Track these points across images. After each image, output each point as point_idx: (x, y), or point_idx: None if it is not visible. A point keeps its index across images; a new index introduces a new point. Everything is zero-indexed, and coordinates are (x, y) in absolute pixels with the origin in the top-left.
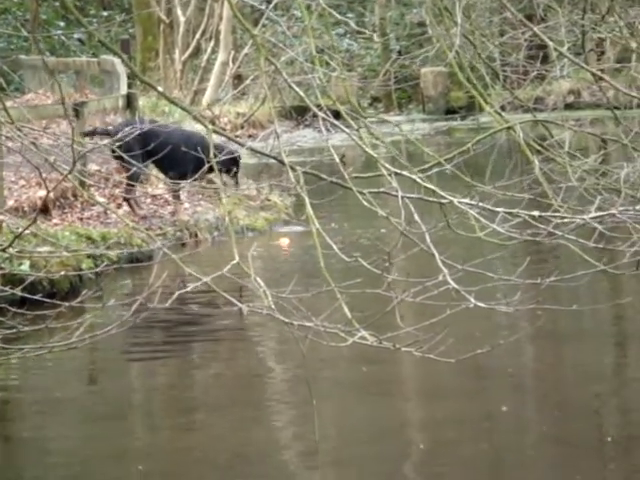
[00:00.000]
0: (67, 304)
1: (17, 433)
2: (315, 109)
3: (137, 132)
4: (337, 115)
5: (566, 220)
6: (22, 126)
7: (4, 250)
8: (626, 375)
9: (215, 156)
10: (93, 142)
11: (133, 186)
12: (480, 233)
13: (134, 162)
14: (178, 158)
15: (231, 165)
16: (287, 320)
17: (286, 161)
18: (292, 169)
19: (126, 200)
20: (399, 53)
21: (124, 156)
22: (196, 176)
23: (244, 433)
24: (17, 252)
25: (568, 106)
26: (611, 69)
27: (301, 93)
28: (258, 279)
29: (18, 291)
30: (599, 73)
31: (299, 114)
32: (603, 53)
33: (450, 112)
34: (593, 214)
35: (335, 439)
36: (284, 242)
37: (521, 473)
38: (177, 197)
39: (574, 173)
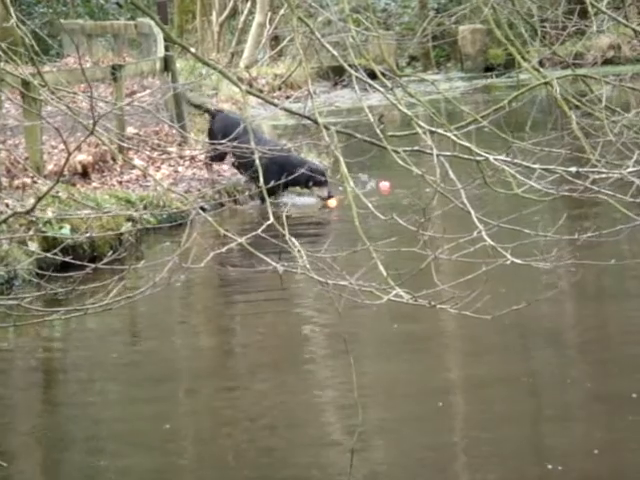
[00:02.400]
0: (93, 266)
1: (62, 394)
2: (349, 69)
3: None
4: (374, 75)
5: (603, 175)
6: (56, 89)
7: (27, 213)
8: None
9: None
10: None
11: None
12: (518, 190)
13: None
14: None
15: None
16: (322, 279)
17: (320, 120)
18: (326, 128)
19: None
20: (436, 11)
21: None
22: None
23: (284, 392)
24: (55, 215)
25: (608, 61)
26: None
27: (334, 53)
28: (293, 239)
29: (50, 255)
30: (639, 29)
31: (337, 74)
32: None
33: (489, 70)
34: (631, 168)
35: (374, 397)
36: (332, 203)
37: (563, 430)
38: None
39: (613, 128)
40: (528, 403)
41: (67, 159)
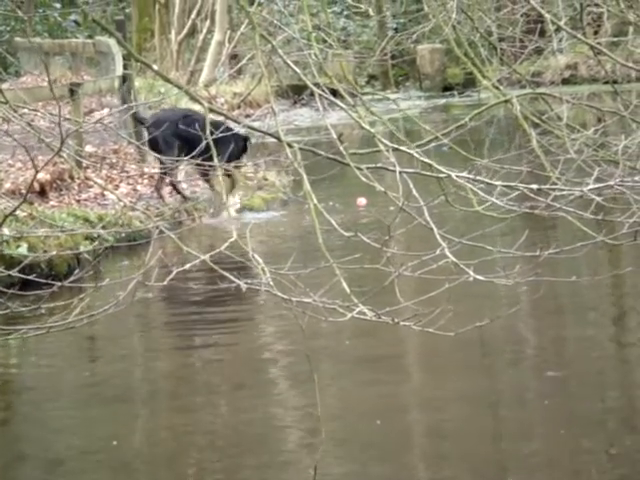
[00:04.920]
0: (60, 284)
1: (16, 413)
2: (313, 87)
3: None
4: (334, 93)
5: (565, 192)
6: (18, 106)
7: None
8: (626, 346)
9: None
10: (86, 122)
11: (165, 175)
12: (479, 207)
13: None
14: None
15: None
16: (285, 296)
17: (283, 138)
18: (289, 145)
19: (157, 189)
20: (395, 30)
21: None
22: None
23: (245, 412)
24: (14, 234)
25: (565, 81)
26: (608, 43)
27: (297, 70)
28: (256, 256)
29: (14, 273)
30: (598, 46)
31: (296, 93)
32: (599, 27)
33: (447, 89)
34: (591, 185)
35: (337, 416)
36: (362, 201)
37: (523, 447)
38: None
39: (572, 146)
40: (486, 420)
41: (35, 174)
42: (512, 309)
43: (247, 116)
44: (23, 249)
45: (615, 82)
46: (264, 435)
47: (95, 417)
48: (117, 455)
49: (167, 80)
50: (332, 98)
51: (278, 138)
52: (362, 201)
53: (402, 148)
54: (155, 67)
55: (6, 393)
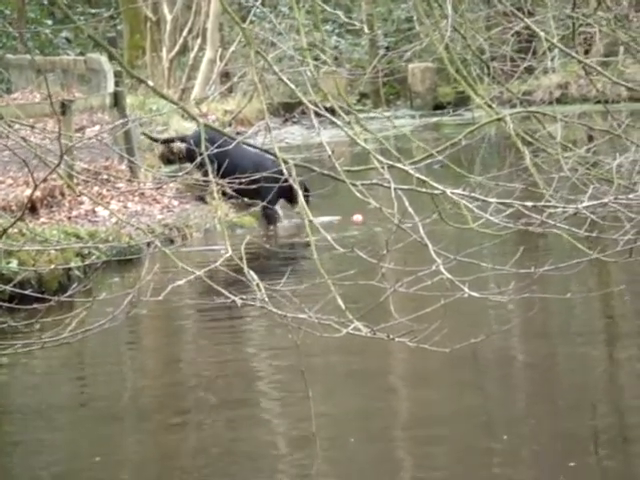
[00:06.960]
0: (57, 298)
1: (3, 432)
2: (308, 103)
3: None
4: (327, 111)
5: (559, 209)
6: (12, 122)
7: None
8: (618, 364)
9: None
10: (82, 137)
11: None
12: (473, 224)
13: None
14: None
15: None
16: (280, 312)
17: (278, 153)
18: (284, 162)
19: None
20: (387, 49)
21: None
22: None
23: (239, 427)
24: (6, 247)
25: (556, 100)
26: (599, 63)
27: (292, 86)
28: (251, 272)
29: (11, 288)
30: (590, 63)
31: (287, 111)
32: (590, 47)
33: (438, 108)
34: (586, 203)
35: (330, 431)
36: (358, 218)
37: (510, 466)
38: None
39: (566, 164)
40: (476, 439)
41: (34, 189)
42: (506, 326)
43: (238, 134)
44: (13, 265)
45: (606, 101)
46: (257, 450)
47: (82, 435)
48: (101, 474)
49: (162, 96)
50: (328, 115)
51: (274, 154)
52: (358, 218)
53: (397, 165)
54: (150, 83)
55: None
